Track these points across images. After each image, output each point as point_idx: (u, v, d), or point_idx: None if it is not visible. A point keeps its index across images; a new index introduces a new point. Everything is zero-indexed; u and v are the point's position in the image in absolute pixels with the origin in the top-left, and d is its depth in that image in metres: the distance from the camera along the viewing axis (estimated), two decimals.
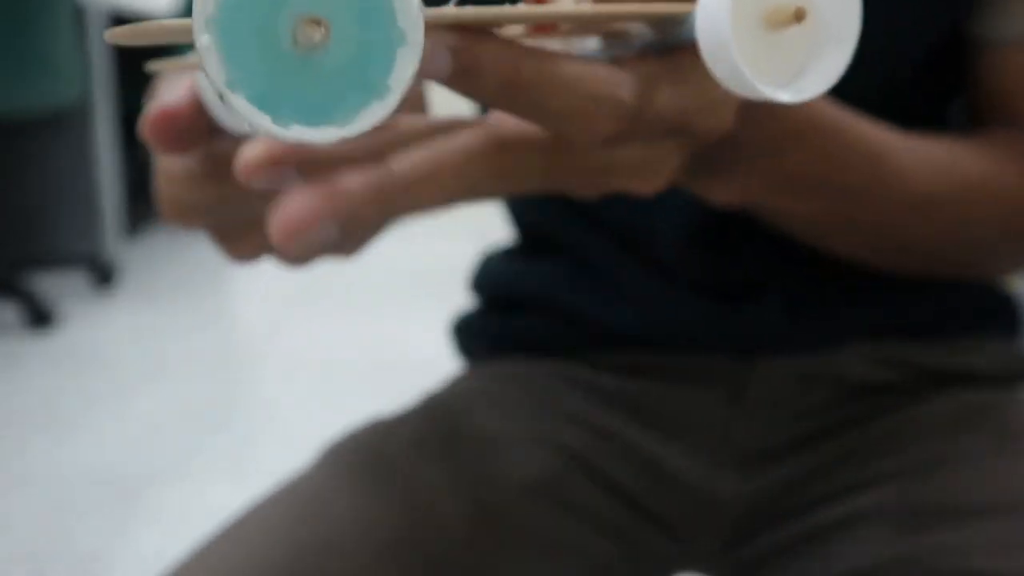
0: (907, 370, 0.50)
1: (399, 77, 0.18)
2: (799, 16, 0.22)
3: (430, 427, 0.50)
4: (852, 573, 0.43)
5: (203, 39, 0.16)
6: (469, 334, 0.58)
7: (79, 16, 2.57)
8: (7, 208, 2.75)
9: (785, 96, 0.23)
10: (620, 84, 0.23)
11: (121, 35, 0.20)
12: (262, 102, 0.17)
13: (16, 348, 2.13)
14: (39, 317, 2.27)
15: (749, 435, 0.50)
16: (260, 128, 0.17)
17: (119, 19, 3.10)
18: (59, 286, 2.63)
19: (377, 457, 0.48)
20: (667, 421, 0.51)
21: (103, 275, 2.67)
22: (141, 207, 3.62)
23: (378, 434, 0.50)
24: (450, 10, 0.20)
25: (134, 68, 3.52)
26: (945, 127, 0.52)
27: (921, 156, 0.40)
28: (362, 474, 0.46)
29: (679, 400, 0.51)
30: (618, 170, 0.27)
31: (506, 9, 0.21)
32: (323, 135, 0.17)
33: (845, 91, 0.45)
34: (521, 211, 0.59)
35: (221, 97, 0.16)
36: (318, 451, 0.50)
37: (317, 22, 0.17)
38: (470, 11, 0.20)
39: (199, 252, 3.44)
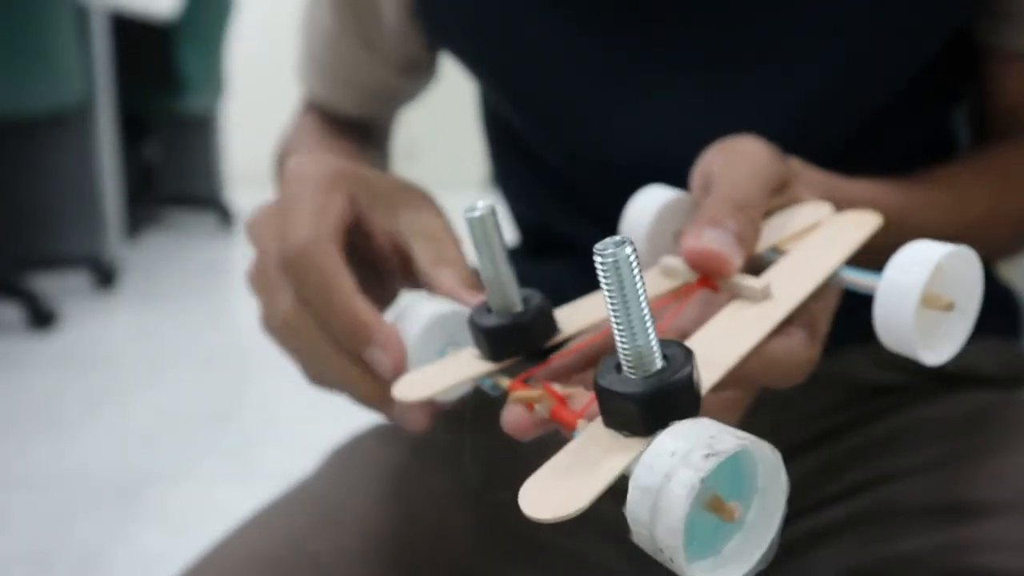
0: (911, 371, 0.50)
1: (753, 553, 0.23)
2: (949, 307, 0.28)
3: (434, 431, 0.50)
4: (856, 573, 0.43)
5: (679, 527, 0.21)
6: None
7: (81, 17, 2.57)
8: (8, 208, 2.75)
9: (930, 359, 0.29)
10: (806, 344, 0.29)
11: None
12: (688, 548, 0.22)
13: (17, 348, 2.13)
14: (40, 317, 2.27)
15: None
16: (674, 563, 0.22)
17: (120, 19, 3.10)
18: (60, 287, 2.64)
19: (382, 463, 0.48)
20: None
21: (104, 276, 2.68)
22: (142, 208, 3.63)
23: (382, 439, 0.50)
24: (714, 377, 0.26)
25: (135, 69, 3.52)
26: (948, 129, 0.52)
27: (931, 204, 0.43)
28: (367, 481, 0.46)
29: None
30: None
31: (741, 341, 0.27)
32: (712, 572, 0.23)
33: (850, 92, 0.45)
34: (525, 212, 0.58)
35: (656, 546, 0.22)
36: (322, 456, 0.50)
37: (732, 508, 0.22)
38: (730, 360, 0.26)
39: (200, 253, 3.44)
